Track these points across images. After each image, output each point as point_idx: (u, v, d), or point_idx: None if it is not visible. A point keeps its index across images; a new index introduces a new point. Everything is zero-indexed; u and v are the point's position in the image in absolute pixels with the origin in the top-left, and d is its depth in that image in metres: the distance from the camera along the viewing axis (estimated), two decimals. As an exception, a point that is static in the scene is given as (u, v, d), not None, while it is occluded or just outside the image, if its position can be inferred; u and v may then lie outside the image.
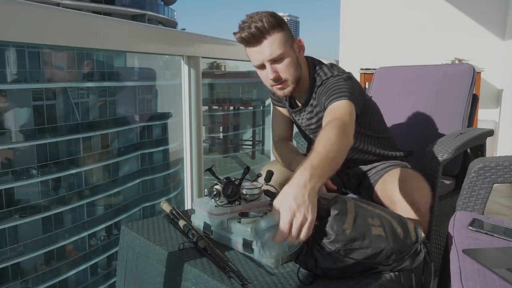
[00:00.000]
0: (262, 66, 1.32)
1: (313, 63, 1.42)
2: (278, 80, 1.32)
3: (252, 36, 1.26)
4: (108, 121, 12.01)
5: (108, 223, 11.04)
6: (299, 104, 1.48)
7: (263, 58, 1.29)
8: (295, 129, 1.67)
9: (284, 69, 1.31)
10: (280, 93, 1.37)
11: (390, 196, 1.29)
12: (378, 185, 1.41)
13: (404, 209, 1.22)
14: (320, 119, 1.39)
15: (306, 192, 0.87)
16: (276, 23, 1.28)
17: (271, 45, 1.28)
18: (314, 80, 1.40)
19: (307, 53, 1.42)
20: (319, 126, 1.42)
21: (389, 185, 1.34)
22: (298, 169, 0.93)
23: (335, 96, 1.24)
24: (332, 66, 1.42)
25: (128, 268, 1.26)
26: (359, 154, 1.50)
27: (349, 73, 1.39)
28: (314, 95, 1.40)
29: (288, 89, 1.35)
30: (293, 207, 0.84)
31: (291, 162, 1.44)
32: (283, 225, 0.84)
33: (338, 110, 1.19)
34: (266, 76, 1.32)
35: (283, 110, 1.59)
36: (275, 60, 1.30)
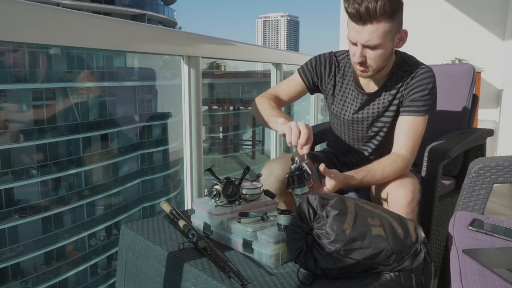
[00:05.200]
0: (355, 43, 1.29)
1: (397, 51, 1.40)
2: (362, 64, 1.30)
3: (358, 15, 1.21)
4: (108, 121, 12.01)
5: (108, 223, 11.04)
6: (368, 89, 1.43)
7: (358, 39, 1.26)
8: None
9: (374, 57, 1.28)
10: (361, 75, 1.35)
11: (384, 190, 1.30)
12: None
13: (393, 202, 1.24)
14: (388, 110, 1.40)
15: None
16: (390, 11, 1.20)
17: (372, 32, 1.23)
18: (397, 67, 1.38)
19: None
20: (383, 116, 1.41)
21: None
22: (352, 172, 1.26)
23: (417, 108, 1.33)
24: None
25: (128, 268, 1.26)
26: (373, 160, 1.47)
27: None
28: (396, 82, 1.38)
29: (369, 74, 1.33)
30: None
31: (269, 117, 1.35)
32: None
33: (408, 140, 1.34)
34: (353, 54, 1.30)
35: (300, 86, 1.50)
36: (368, 46, 1.26)
